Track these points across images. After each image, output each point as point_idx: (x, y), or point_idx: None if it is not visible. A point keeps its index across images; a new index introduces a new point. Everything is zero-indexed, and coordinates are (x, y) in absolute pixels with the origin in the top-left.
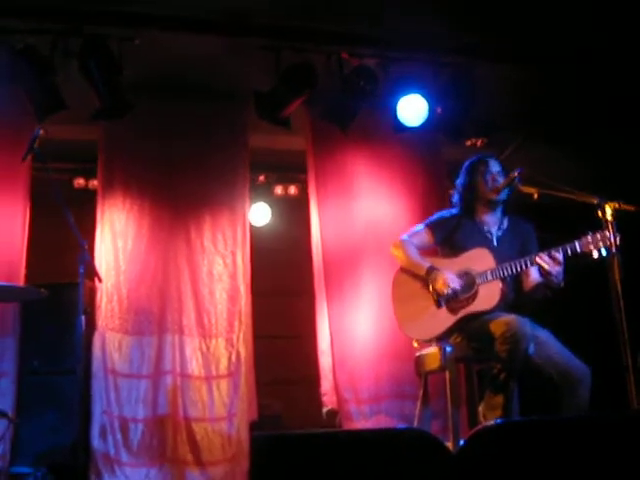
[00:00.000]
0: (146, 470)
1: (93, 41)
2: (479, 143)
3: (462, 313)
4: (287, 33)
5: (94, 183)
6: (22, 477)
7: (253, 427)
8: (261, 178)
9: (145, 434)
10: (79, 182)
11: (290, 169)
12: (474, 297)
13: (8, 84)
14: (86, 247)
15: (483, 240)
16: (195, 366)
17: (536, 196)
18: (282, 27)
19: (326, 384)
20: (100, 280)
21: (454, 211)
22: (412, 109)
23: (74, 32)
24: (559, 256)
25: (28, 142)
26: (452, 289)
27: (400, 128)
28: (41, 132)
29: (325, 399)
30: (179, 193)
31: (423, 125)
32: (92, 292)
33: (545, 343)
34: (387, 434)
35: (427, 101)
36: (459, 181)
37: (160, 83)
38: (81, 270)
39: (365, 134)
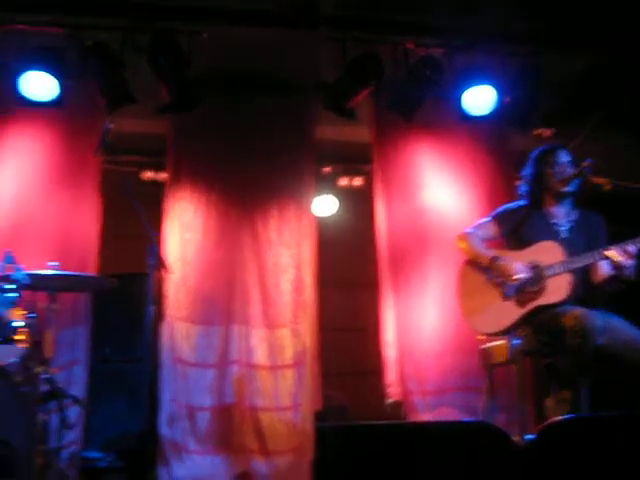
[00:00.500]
0: (212, 458)
1: (162, 36)
2: (547, 133)
3: (530, 306)
4: (353, 24)
5: (163, 176)
6: (93, 462)
7: (318, 417)
8: (326, 170)
9: (212, 422)
10: (148, 175)
11: (355, 160)
12: (542, 290)
13: (79, 79)
14: (155, 239)
15: (551, 233)
16: (261, 356)
17: (607, 187)
18: (348, 18)
19: (391, 376)
20: (168, 271)
21: (522, 203)
22: (479, 98)
23: (143, 27)
24: (633, 250)
25: (99, 136)
26: (520, 279)
27: (466, 118)
28: (111, 126)
29: (389, 391)
30: (246, 185)
31: (490, 115)
32: (160, 282)
33: (618, 329)
34: (455, 426)
35: (494, 90)
36: (527, 172)
37: (227, 76)
38: (151, 261)
39: (430, 124)
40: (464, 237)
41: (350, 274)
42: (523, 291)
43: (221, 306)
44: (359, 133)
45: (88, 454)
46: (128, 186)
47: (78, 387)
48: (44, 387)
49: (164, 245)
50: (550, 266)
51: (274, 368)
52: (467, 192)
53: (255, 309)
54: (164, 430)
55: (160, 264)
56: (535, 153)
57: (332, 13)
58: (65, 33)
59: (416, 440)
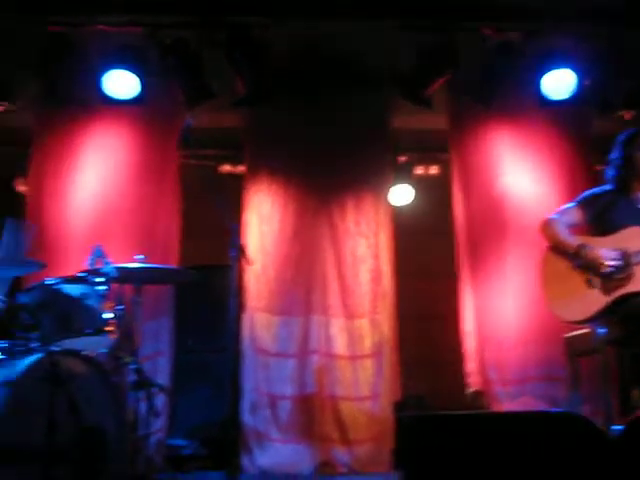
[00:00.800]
0: (294, 446)
1: (238, 31)
2: (628, 116)
3: (617, 294)
4: (428, 10)
5: (240, 169)
6: (177, 449)
7: (397, 407)
8: (402, 158)
9: (293, 412)
10: (225, 168)
11: (431, 149)
12: (630, 277)
13: (159, 77)
14: (236, 231)
15: (639, 218)
16: (340, 346)
17: None
18: (423, 4)
19: (471, 365)
20: (249, 263)
21: (607, 187)
22: (558, 82)
23: (219, 23)
24: None
25: (179, 132)
26: (608, 266)
27: (545, 102)
28: (192, 121)
29: (469, 380)
30: (322, 176)
31: (569, 99)
32: (241, 274)
33: None
34: (539, 416)
35: (573, 73)
36: (613, 155)
37: (305, 68)
38: (232, 253)
39: (508, 110)
40: (548, 224)
41: (428, 263)
42: (610, 278)
43: (300, 297)
44: (435, 121)
45: (173, 442)
46: (208, 179)
47: (162, 377)
48: (132, 376)
49: (244, 237)
50: (638, 252)
51: (353, 358)
52: (546, 178)
53: (334, 299)
54: (246, 418)
55: (241, 256)
56: (623, 136)
57: (407, 1)
58: (144, 32)
59: (498, 430)
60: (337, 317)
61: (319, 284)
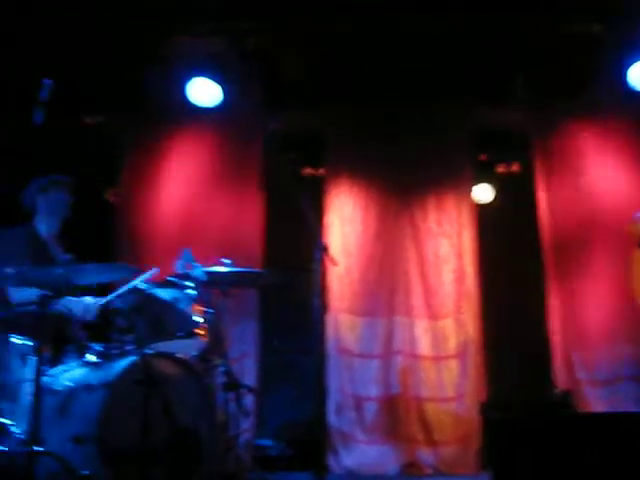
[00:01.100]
0: (379, 447)
1: (316, 36)
2: None
3: None
4: (507, 6)
5: (321, 171)
6: (265, 449)
7: (482, 408)
8: (483, 157)
9: (378, 413)
10: (307, 171)
11: (513, 147)
12: None
13: (241, 83)
14: (320, 233)
15: None
16: (424, 346)
17: None
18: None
19: (559, 365)
20: (334, 264)
21: None
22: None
23: (297, 27)
24: None
25: (261, 136)
26: None
27: (631, 95)
28: (274, 125)
29: (558, 380)
30: (404, 177)
31: None
32: (324, 275)
33: None
34: (631, 418)
35: None
36: None
37: (382, 71)
38: (317, 255)
39: (592, 106)
40: (636, 222)
41: (512, 261)
42: None
43: (384, 298)
44: (516, 118)
45: (260, 442)
46: (292, 182)
47: (249, 378)
48: (222, 378)
49: (326, 239)
50: None
51: (438, 359)
52: (632, 175)
53: (418, 300)
54: (332, 419)
55: (325, 257)
56: None
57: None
58: (226, 40)
59: (588, 431)
60: (421, 318)
61: (402, 285)
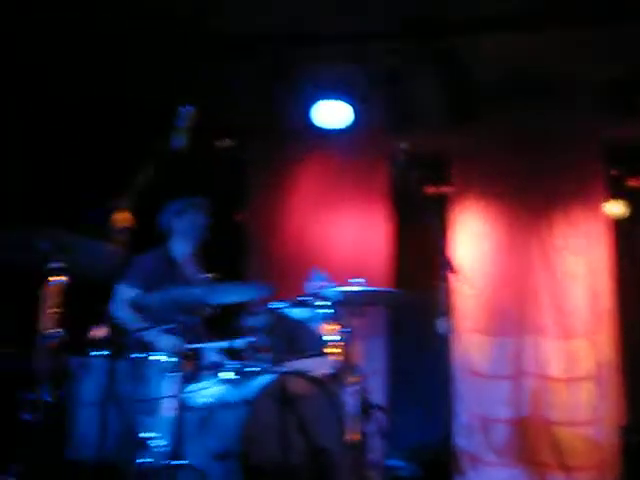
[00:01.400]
0: (509, 471)
1: (443, 50)
2: None
3: None
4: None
5: (444, 189)
6: (394, 470)
7: (623, 432)
8: (614, 172)
9: (507, 435)
10: (430, 189)
11: None
12: None
13: (368, 104)
14: (448, 252)
15: None
16: (555, 368)
17: None
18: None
19: None
20: (463, 283)
21: None
22: None
23: (425, 45)
24: None
25: (387, 156)
26: None
27: None
28: (404, 146)
29: None
30: (532, 192)
31: None
32: (451, 294)
33: None
34: None
35: None
36: None
37: (510, 83)
38: (444, 273)
39: None
40: None
41: None
42: None
43: (513, 317)
44: None
45: (390, 462)
46: (419, 201)
47: (378, 397)
48: (355, 397)
49: (453, 256)
50: None
51: (570, 380)
52: None
53: (548, 319)
54: (460, 441)
55: (454, 276)
56: None
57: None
58: (354, 61)
59: None
60: (551, 338)
61: (532, 304)
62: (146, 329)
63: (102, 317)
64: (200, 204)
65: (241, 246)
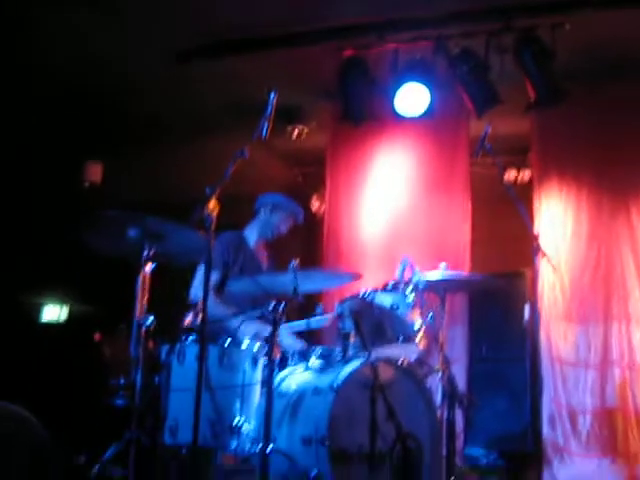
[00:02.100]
0: (597, 461)
1: (525, 33)
2: None
3: None
4: None
5: (524, 175)
6: (475, 459)
7: None
8: None
9: (594, 425)
10: (509, 175)
11: None
12: None
13: (447, 88)
14: (539, 237)
15: None
16: None
17: None
18: None
19: None
20: (554, 268)
21: None
22: None
23: (505, 28)
24: None
25: (466, 141)
26: None
27: None
28: (489, 129)
29: None
30: (618, 175)
31: None
32: (535, 281)
33: None
34: None
35: None
36: None
37: (592, 66)
38: (535, 260)
39: None
40: None
41: None
42: None
43: (599, 304)
44: None
45: (470, 451)
46: (509, 188)
47: (460, 386)
48: (441, 384)
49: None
50: None
51: None
52: None
53: (636, 306)
54: (545, 431)
55: (542, 262)
56: None
57: None
58: (433, 45)
59: None
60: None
61: (619, 290)
62: (232, 316)
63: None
64: (295, 217)
65: (315, 235)
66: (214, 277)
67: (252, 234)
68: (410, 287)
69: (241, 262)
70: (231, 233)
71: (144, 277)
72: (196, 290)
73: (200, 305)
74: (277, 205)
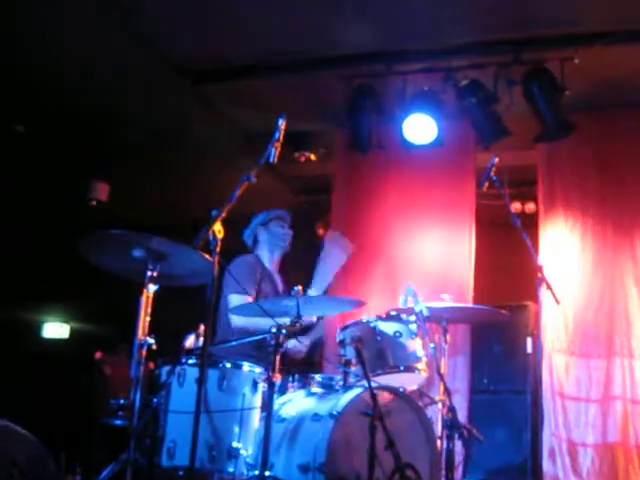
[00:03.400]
0: None
1: (534, 67)
2: None
3: None
4: None
5: (529, 207)
6: None
7: None
8: None
9: (595, 460)
10: (515, 207)
11: None
12: None
13: (455, 119)
14: (543, 269)
15: None
16: None
17: None
18: None
19: None
20: (557, 302)
21: None
22: None
23: (514, 61)
24: None
25: (473, 172)
26: None
27: None
28: (497, 160)
29: None
30: (623, 208)
31: None
32: (538, 314)
33: None
34: None
35: None
36: None
37: (601, 99)
38: (539, 292)
39: None
40: None
41: None
42: None
43: (602, 338)
44: None
45: None
46: (516, 218)
47: (460, 416)
48: (442, 414)
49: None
50: None
51: None
52: None
53: (639, 341)
54: (545, 465)
55: (547, 294)
56: None
57: None
58: (442, 76)
59: None
60: None
61: (622, 325)
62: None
63: (194, 325)
64: (284, 216)
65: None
66: (245, 299)
67: (264, 255)
68: (413, 316)
69: (259, 282)
70: (248, 255)
71: (147, 297)
72: (231, 317)
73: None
74: (264, 220)
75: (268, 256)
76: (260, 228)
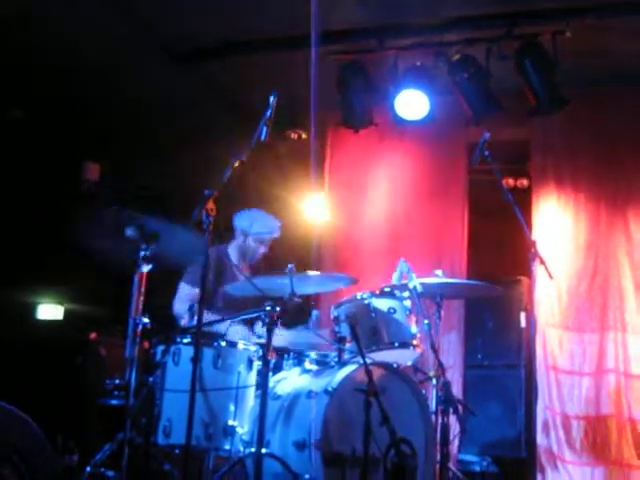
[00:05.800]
0: (590, 469)
1: (526, 41)
2: None
3: None
4: None
5: (522, 182)
6: (468, 464)
7: None
8: None
9: (588, 433)
10: (508, 182)
11: None
12: None
13: (447, 94)
14: (536, 244)
15: None
16: (639, 365)
17: None
18: None
19: None
20: (551, 277)
21: None
22: None
23: (506, 36)
24: None
25: (465, 147)
26: None
27: None
28: (488, 136)
29: None
30: (616, 183)
31: None
32: (531, 289)
33: None
34: None
35: None
36: None
37: (593, 73)
38: (533, 267)
39: None
40: None
41: None
42: None
43: (595, 312)
44: None
45: (464, 457)
46: (509, 194)
47: (454, 392)
48: (437, 390)
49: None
50: None
51: None
52: None
53: (632, 315)
54: (539, 438)
55: (540, 269)
56: None
57: None
58: (433, 52)
59: None
60: (636, 334)
61: (615, 299)
62: (219, 321)
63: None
64: (271, 231)
65: (311, 239)
66: (193, 292)
67: (234, 253)
68: (407, 292)
69: (221, 277)
70: (212, 250)
71: (141, 277)
72: (176, 303)
73: (176, 315)
74: (248, 232)
75: (236, 255)
76: (241, 232)
